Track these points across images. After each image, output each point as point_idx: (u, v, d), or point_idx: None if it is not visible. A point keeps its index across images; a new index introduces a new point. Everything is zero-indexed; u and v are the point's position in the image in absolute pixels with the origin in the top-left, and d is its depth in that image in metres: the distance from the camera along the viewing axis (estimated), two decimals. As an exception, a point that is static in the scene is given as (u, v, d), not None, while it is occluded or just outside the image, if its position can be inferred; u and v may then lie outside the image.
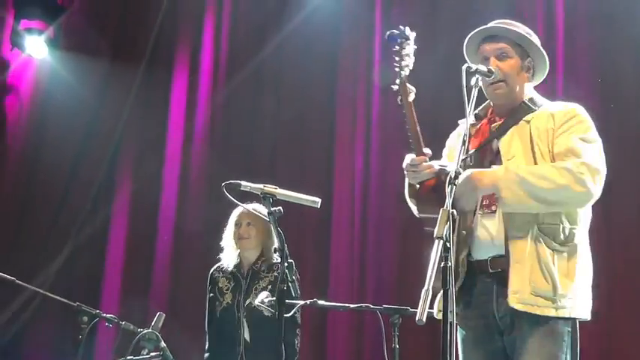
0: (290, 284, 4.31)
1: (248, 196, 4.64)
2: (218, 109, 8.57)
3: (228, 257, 6.04)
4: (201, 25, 8.82)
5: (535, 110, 3.96)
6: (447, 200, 3.36)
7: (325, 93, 8.20)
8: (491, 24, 4.05)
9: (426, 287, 3.12)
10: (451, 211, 3.32)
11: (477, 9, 7.35)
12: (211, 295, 6.05)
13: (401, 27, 3.97)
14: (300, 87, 8.26)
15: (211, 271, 6.13)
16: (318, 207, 4.58)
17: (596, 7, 7.26)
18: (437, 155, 4.07)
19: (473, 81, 3.74)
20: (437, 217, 3.25)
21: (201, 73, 8.72)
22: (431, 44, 7.66)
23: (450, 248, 3.30)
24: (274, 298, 4.43)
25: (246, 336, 5.81)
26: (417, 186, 3.96)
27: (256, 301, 4.88)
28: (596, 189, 3.77)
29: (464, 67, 3.70)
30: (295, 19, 8.37)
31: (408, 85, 3.89)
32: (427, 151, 3.90)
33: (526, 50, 4.03)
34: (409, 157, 3.92)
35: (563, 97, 4.30)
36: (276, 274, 5.73)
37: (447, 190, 3.41)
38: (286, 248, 4.30)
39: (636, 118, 6.96)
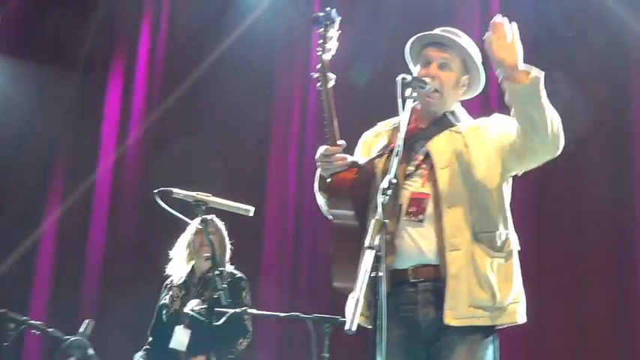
0: (221, 292, 4.30)
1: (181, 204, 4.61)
2: (153, 115, 8.51)
3: (180, 268, 6.02)
4: (137, 29, 8.77)
5: (456, 124, 3.94)
6: (378, 210, 3.36)
7: (261, 100, 8.20)
8: (438, 30, 4.02)
9: (356, 296, 3.12)
10: (384, 221, 3.32)
11: (418, 18, 7.40)
12: (162, 302, 6.04)
13: (327, 8, 3.91)
14: (236, 94, 8.24)
15: (167, 281, 6.12)
16: (251, 215, 4.57)
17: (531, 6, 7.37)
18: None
19: (408, 92, 3.72)
20: (347, 213, 3.20)
21: (136, 79, 8.66)
22: (371, 49, 7.73)
23: (381, 258, 3.30)
24: (204, 306, 4.41)
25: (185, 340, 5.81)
26: (329, 179, 3.84)
27: (186, 309, 4.86)
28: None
29: (399, 78, 3.68)
30: (233, 26, 8.36)
31: (328, 72, 3.83)
32: (341, 142, 3.80)
33: (467, 67, 4.04)
34: (322, 148, 3.81)
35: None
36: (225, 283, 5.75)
37: (379, 200, 3.40)
38: (217, 256, 4.30)
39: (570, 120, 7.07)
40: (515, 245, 3.84)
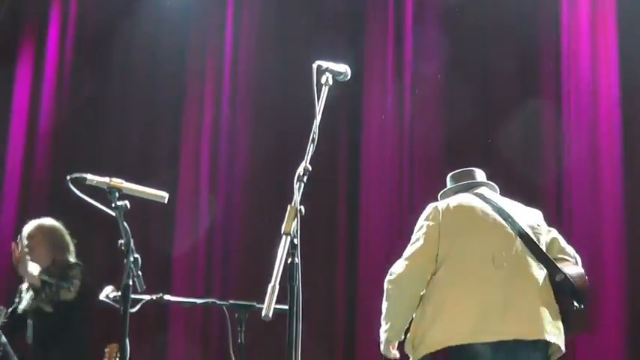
0: (136, 279, 4.28)
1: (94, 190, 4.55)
2: (64, 101, 8.39)
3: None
4: (47, 15, 8.63)
5: None
6: (295, 197, 3.39)
7: (173, 85, 8.14)
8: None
9: (272, 283, 3.15)
10: (299, 207, 3.35)
11: (328, 6, 7.45)
12: (14, 304, 6.33)
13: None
14: (147, 78, 8.17)
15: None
16: (166, 202, 4.55)
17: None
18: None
19: (323, 79, 3.76)
20: None
21: (46, 66, 8.52)
22: (281, 42, 7.75)
23: (297, 245, 3.33)
24: (119, 293, 4.37)
25: (30, 334, 6.14)
26: None
27: (101, 296, 4.81)
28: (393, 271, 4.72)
29: (315, 65, 3.73)
30: (144, 10, 8.28)
31: None
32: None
33: None
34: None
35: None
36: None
37: (295, 187, 3.44)
38: (132, 243, 4.26)
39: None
40: (439, 278, 4.64)
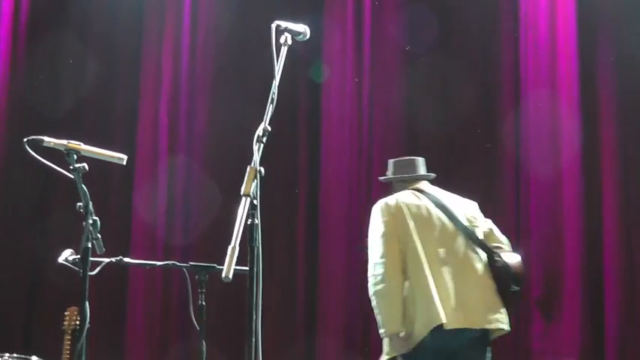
0: (95, 242, 4.27)
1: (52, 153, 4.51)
2: (19, 63, 8.26)
3: None
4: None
5: None
6: (254, 157, 3.39)
7: (131, 45, 8.06)
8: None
9: (232, 244, 3.15)
10: (259, 168, 3.35)
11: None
12: None
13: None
14: (105, 39, 8.08)
15: None
16: (124, 164, 4.53)
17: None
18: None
19: (282, 39, 3.74)
20: None
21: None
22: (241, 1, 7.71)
23: (256, 206, 3.33)
24: (78, 256, 4.35)
25: None
26: None
27: (60, 259, 4.79)
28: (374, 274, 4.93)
29: (273, 25, 3.71)
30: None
31: None
32: None
33: None
34: None
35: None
36: None
37: (254, 148, 3.43)
38: (91, 205, 4.24)
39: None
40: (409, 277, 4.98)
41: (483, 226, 5.27)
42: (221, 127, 7.67)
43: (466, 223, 5.12)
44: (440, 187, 5.32)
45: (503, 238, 5.32)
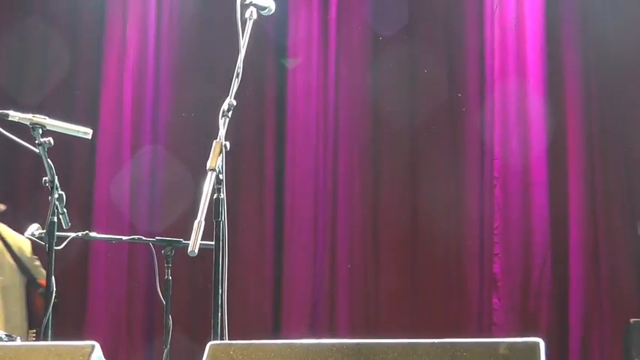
0: (61, 216, 4.29)
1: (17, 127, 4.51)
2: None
3: None
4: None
5: None
6: (220, 131, 3.42)
7: (95, 22, 7.99)
8: None
9: (198, 219, 3.19)
10: (224, 143, 3.38)
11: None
12: None
13: None
14: (69, 10, 8.01)
15: None
16: (90, 138, 4.56)
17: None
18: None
19: (247, 13, 3.76)
20: None
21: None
22: None
23: (222, 180, 3.36)
24: (44, 231, 4.37)
25: None
26: None
27: (26, 233, 4.80)
28: None
29: (238, 0, 3.72)
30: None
31: None
32: None
33: None
34: None
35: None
36: None
37: (220, 121, 3.46)
38: (56, 180, 4.26)
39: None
40: None
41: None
42: (186, 99, 7.65)
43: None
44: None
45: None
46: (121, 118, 7.69)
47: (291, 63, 7.50)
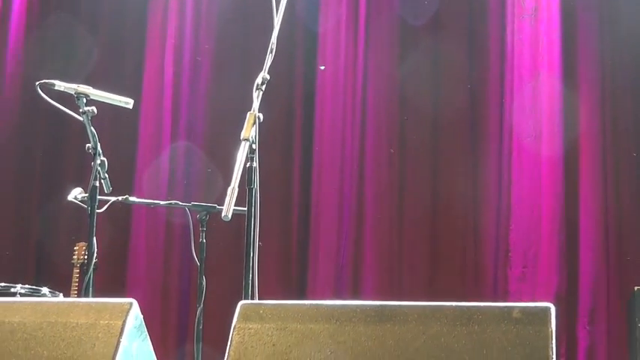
0: (102, 181, 4.47)
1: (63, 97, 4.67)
2: (34, 14, 8.33)
3: None
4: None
5: None
6: (254, 104, 3.57)
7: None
8: None
9: (232, 185, 3.32)
10: (258, 114, 3.54)
11: None
12: None
13: None
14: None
15: None
16: (131, 107, 4.72)
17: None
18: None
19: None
20: None
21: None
22: None
23: (255, 150, 3.52)
24: (87, 195, 4.54)
25: None
26: None
27: (70, 197, 4.96)
28: None
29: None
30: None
31: None
32: None
33: None
34: None
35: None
36: None
37: (255, 94, 3.61)
38: (99, 147, 4.44)
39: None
40: None
41: None
42: (224, 71, 7.79)
43: None
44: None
45: None
46: (162, 87, 7.88)
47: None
